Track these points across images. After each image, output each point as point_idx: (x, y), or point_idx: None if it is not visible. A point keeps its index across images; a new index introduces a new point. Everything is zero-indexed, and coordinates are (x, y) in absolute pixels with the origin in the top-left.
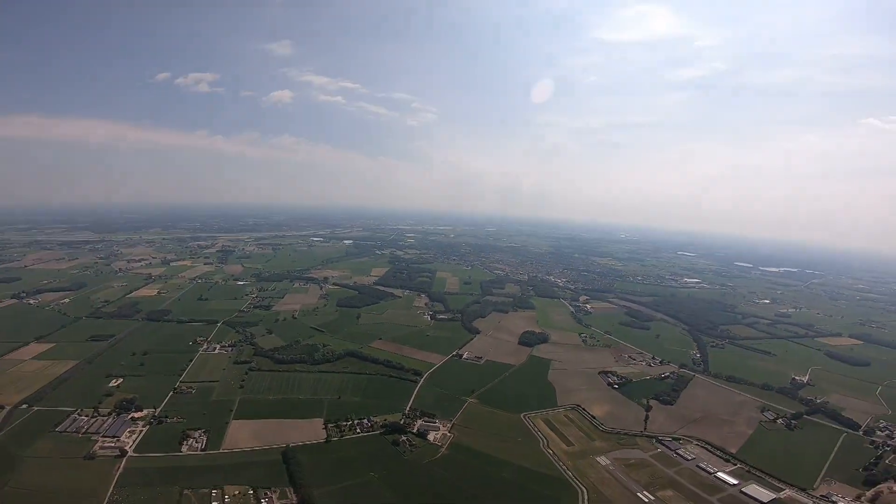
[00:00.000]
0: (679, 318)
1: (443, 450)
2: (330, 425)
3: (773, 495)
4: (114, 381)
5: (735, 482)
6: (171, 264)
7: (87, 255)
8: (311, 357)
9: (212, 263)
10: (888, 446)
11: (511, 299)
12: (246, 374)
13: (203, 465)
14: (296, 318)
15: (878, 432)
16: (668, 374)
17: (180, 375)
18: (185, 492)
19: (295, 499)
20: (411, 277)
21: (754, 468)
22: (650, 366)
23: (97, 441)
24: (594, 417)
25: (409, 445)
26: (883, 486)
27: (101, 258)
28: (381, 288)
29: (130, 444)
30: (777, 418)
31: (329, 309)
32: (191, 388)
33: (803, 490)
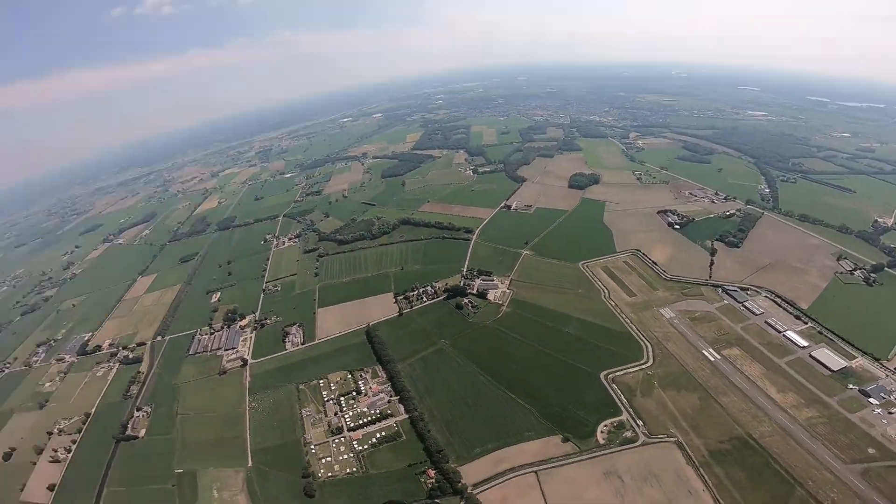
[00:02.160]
0: (743, 150)
1: (504, 308)
2: (399, 297)
3: (844, 363)
4: (213, 296)
5: (805, 344)
6: (221, 174)
7: (144, 188)
8: (369, 232)
9: (255, 165)
10: None
11: (555, 143)
12: (317, 261)
13: (306, 357)
14: (346, 196)
15: None
16: (733, 211)
17: (264, 276)
18: (301, 387)
19: (384, 376)
20: (447, 137)
21: (826, 328)
22: (713, 202)
23: (223, 356)
24: (655, 263)
25: (472, 307)
26: None
27: (158, 188)
28: (419, 152)
29: (247, 351)
30: (855, 269)
31: (375, 182)
32: (276, 286)
33: (877, 360)
